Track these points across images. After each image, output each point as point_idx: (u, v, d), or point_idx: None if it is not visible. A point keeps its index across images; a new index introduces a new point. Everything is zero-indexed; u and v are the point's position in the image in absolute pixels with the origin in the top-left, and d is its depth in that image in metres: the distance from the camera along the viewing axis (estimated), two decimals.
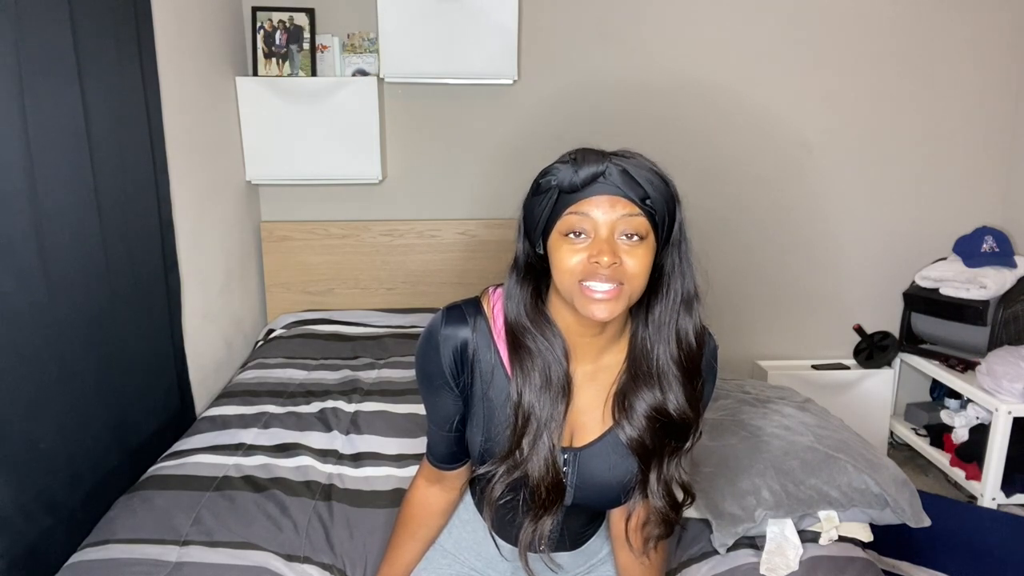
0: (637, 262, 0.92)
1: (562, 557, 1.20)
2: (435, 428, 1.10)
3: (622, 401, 1.03)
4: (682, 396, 1.01)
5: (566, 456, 1.05)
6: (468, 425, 1.07)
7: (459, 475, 1.16)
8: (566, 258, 0.92)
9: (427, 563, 1.24)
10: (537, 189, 0.96)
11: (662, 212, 0.94)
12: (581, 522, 1.19)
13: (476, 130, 2.75)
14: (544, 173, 0.95)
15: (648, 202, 0.92)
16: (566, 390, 1.02)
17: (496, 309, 1.05)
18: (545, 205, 0.95)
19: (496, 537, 1.17)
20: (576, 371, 1.04)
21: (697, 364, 1.02)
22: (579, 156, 0.93)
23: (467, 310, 1.04)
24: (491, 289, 1.08)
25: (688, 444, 1.04)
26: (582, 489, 1.07)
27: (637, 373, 1.02)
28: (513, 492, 1.04)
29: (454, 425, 1.08)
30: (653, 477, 1.04)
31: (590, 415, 1.06)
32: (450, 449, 1.11)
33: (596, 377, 1.05)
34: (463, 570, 1.24)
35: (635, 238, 0.92)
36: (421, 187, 2.80)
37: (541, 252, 0.99)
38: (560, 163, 0.94)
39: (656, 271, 0.99)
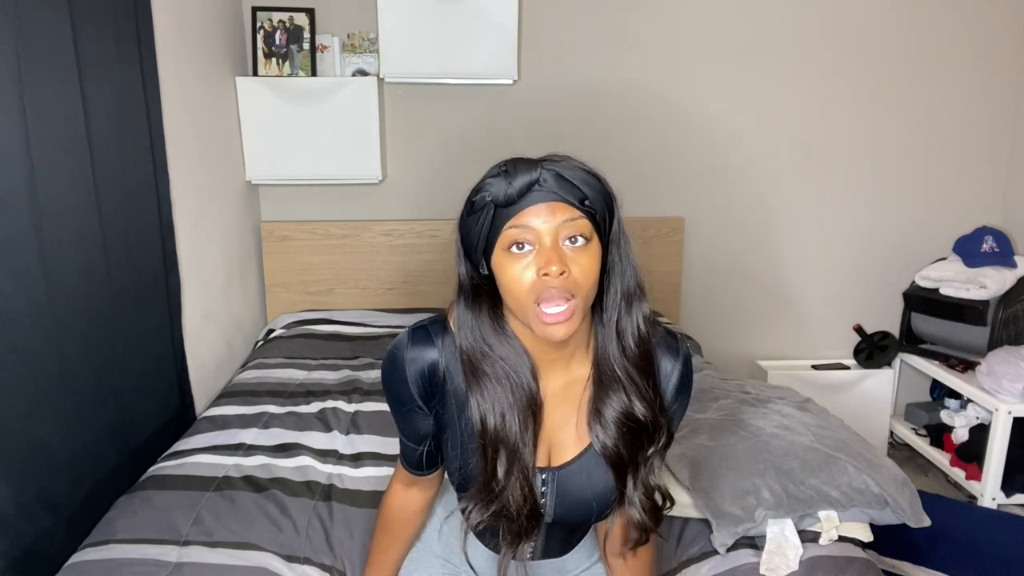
0: (582, 269, 0.89)
1: (553, 563, 1.20)
2: (407, 442, 1.09)
3: (595, 410, 1.01)
4: (642, 399, 0.99)
5: (544, 476, 1.04)
6: (444, 449, 1.05)
7: (436, 476, 1.15)
8: (516, 275, 0.89)
9: (417, 563, 1.24)
10: (472, 208, 0.92)
11: (602, 211, 0.92)
12: (566, 531, 1.17)
13: (476, 130, 2.75)
14: (476, 190, 0.92)
15: (587, 203, 0.90)
16: (535, 411, 0.99)
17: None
18: (483, 223, 0.91)
19: (470, 561, 1.15)
20: (546, 388, 1.02)
21: (644, 361, 1.00)
22: (510, 167, 0.90)
23: (433, 330, 1.01)
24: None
25: (653, 448, 1.01)
26: (561, 507, 1.05)
27: (602, 379, 1.00)
28: (493, 517, 1.01)
29: (427, 442, 1.06)
30: (630, 485, 1.02)
31: (566, 431, 1.03)
32: (424, 459, 1.09)
33: (568, 391, 1.03)
34: (454, 570, 1.24)
35: (580, 241, 0.90)
36: (421, 187, 2.80)
37: (486, 272, 0.95)
38: (491, 177, 0.91)
39: (603, 271, 0.96)
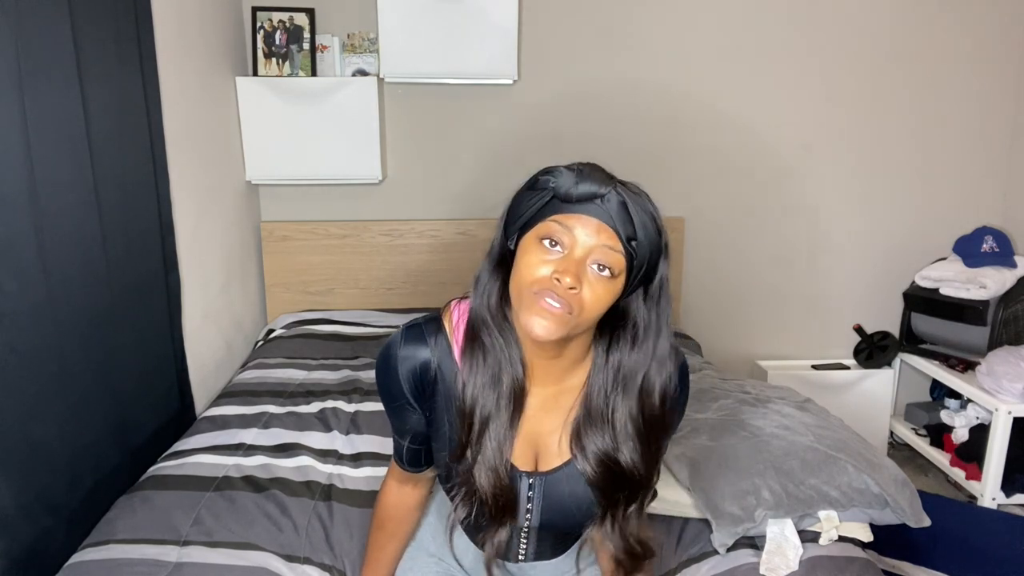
0: (596, 297, 0.88)
1: (547, 565, 1.20)
2: (400, 440, 1.09)
3: (577, 436, 1.00)
4: (637, 453, 0.98)
5: (531, 480, 1.04)
6: (434, 446, 1.05)
7: (429, 472, 1.15)
8: (532, 264, 0.88)
9: (412, 563, 1.25)
10: (534, 184, 0.93)
11: (643, 259, 0.90)
12: (556, 535, 1.16)
13: (476, 130, 2.75)
14: (546, 171, 0.92)
15: (633, 243, 0.88)
16: (516, 398, 0.98)
17: (458, 325, 1.01)
18: (535, 202, 0.91)
19: (458, 558, 1.16)
20: (536, 392, 1.01)
21: (660, 425, 0.99)
22: (587, 170, 0.90)
23: (427, 329, 1.01)
24: (454, 303, 1.04)
25: (637, 504, 1.01)
26: (548, 513, 1.05)
27: (591, 413, 0.99)
28: (469, 500, 1.01)
29: (421, 440, 1.07)
30: (607, 524, 1.01)
31: (554, 438, 1.03)
32: (417, 457, 1.10)
33: (559, 400, 1.02)
34: (448, 569, 1.24)
35: (606, 272, 0.88)
36: (421, 187, 2.80)
37: (512, 248, 0.95)
38: (566, 168, 0.91)
39: (622, 317, 0.96)
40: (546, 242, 0.89)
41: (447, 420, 1.02)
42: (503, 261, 0.97)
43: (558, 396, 1.02)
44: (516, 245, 0.94)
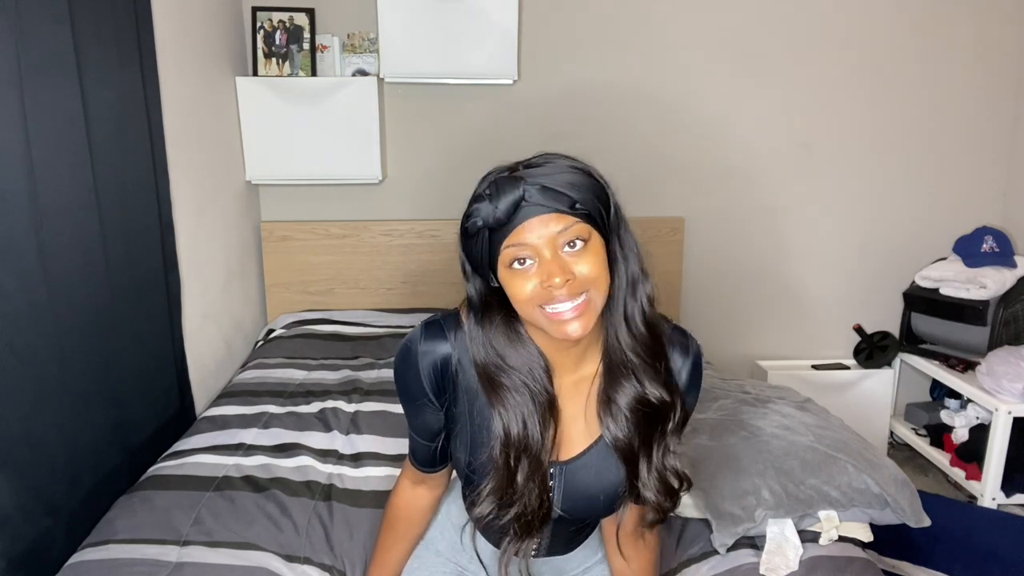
0: (590, 266, 0.89)
1: (556, 561, 1.20)
2: (417, 438, 1.09)
3: (606, 401, 1.01)
4: (650, 375, 0.99)
5: (552, 471, 1.04)
6: (452, 443, 1.06)
7: (444, 474, 1.15)
8: (520, 289, 0.90)
9: (420, 562, 1.25)
10: (467, 233, 0.93)
11: (595, 207, 0.91)
12: (572, 529, 1.17)
13: (476, 130, 2.75)
14: (467, 216, 0.92)
15: (578, 206, 0.89)
16: (551, 412, 1.00)
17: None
18: (481, 246, 0.92)
19: (479, 553, 1.16)
20: (559, 385, 1.02)
21: (652, 345, 0.99)
22: (493, 189, 0.89)
23: (446, 324, 1.01)
24: None
25: (671, 424, 1.01)
26: (568, 502, 1.05)
27: (613, 368, 1.00)
28: (500, 509, 1.02)
29: (438, 438, 1.07)
30: (644, 469, 1.01)
31: (575, 427, 1.04)
32: (433, 456, 1.10)
33: (578, 387, 1.03)
34: (457, 569, 1.25)
35: (579, 244, 0.89)
36: (421, 187, 2.80)
37: (496, 284, 0.95)
38: (477, 202, 0.91)
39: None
40: (515, 265, 0.90)
41: (471, 420, 1.02)
42: (489, 303, 0.98)
43: (576, 384, 1.03)
44: (499, 281, 0.95)
